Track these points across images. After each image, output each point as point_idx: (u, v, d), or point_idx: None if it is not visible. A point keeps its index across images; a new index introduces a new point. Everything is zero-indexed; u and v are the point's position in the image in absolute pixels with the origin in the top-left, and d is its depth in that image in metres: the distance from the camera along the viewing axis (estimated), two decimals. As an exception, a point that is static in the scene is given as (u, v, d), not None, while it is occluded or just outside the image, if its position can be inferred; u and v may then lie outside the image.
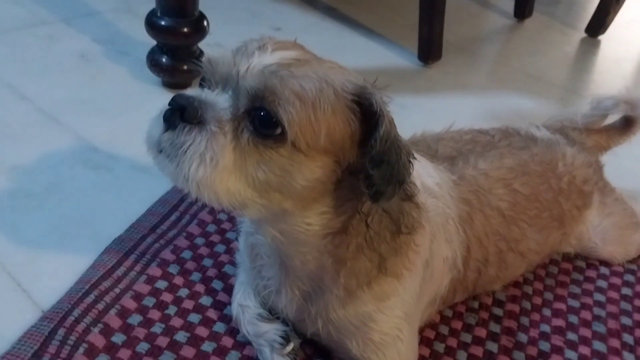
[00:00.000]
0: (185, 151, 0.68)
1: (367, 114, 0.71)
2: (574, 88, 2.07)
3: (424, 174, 0.93)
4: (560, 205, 1.10)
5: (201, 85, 0.75)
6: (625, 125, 1.29)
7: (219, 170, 0.69)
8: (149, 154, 0.74)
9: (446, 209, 0.95)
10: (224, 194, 0.70)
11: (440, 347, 0.98)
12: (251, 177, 0.70)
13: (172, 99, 0.70)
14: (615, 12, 2.34)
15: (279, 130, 0.68)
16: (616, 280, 1.17)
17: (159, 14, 1.52)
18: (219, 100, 0.71)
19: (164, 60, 1.57)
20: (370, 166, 0.69)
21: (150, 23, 1.53)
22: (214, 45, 1.79)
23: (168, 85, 1.61)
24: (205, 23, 1.55)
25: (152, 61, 1.58)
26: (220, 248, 1.10)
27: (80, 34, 1.83)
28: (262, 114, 0.68)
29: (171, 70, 1.58)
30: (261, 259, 0.88)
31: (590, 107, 1.29)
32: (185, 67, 1.58)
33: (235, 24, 2.03)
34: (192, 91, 0.73)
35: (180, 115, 0.69)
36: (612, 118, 1.32)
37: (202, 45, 1.62)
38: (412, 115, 1.64)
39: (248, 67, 0.70)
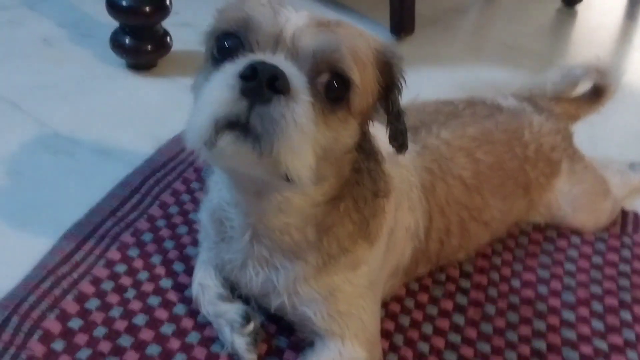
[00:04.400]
0: (283, 125, 0.60)
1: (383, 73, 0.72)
2: (551, 58, 2.05)
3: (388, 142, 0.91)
4: (526, 173, 1.08)
5: (225, 47, 0.67)
6: (595, 94, 1.28)
7: (310, 142, 0.63)
8: (208, 131, 0.62)
9: (410, 178, 0.94)
10: (307, 168, 0.63)
11: (405, 320, 0.96)
12: (317, 145, 0.65)
13: (252, 68, 0.61)
14: (591, -20, 2.31)
15: (344, 94, 0.66)
16: (587, 249, 1.16)
17: (119, -6, 1.48)
18: (287, 65, 0.64)
19: (127, 41, 1.53)
20: (394, 121, 0.74)
21: (111, 3, 1.49)
22: (182, 25, 1.75)
23: (132, 66, 1.57)
24: (167, 1, 1.51)
25: (115, 43, 1.54)
26: (183, 229, 1.08)
27: (44, 18, 1.79)
28: (329, 77, 0.65)
29: (135, 51, 1.54)
30: (230, 232, 0.84)
31: (559, 75, 1.27)
32: (149, 48, 1.54)
33: (203, 3, 1.96)
34: (256, 56, 0.64)
35: (270, 86, 0.61)
36: (584, 88, 1.30)
37: (169, 25, 1.58)
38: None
39: (296, 26, 0.65)
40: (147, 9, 1.48)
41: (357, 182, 0.79)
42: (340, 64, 0.65)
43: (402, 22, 1.90)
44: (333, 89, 0.66)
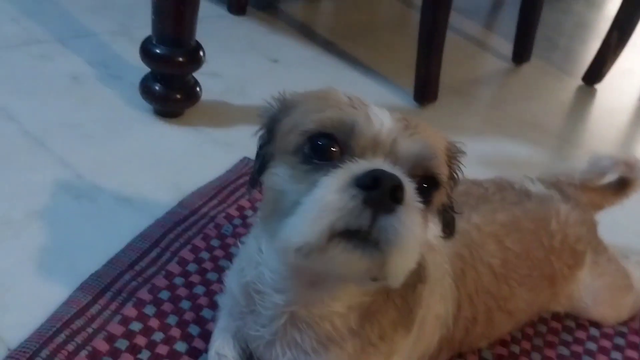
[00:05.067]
0: (404, 235, 0.61)
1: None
2: (568, 137, 2.07)
3: None
4: (551, 264, 1.07)
5: (318, 146, 0.67)
6: (621, 186, 1.28)
7: (419, 248, 0.65)
8: (321, 238, 0.61)
9: (444, 264, 0.92)
10: (408, 271, 0.66)
11: (422, 408, 0.94)
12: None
13: (374, 177, 0.61)
14: (613, 61, 2.35)
15: (431, 195, 0.69)
16: (606, 343, 1.14)
17: (154, 42, 1.49)
18: (400, 173, 0.64)
19: (157, 88, 1.54)
20: (449, 210, 0.79)
21: (145, 50, 1.51)
22: (210, 75, 1.77)
23: (160, 113, 1.58)
24: (201, 53, 1.53)
25: (145, 88, 1.55)
26: (200, 289, 1.06)
27: (75, 55, 1.80)
28: (421, 180, 0.67)
29: (163, 99, 1.55)
30: (263, 310, 0.80)
31: (588, 164, 1.28)
32: (178, 96, 1.55)
33: (232, 54, 2.01)
34: (373, 164, 0.64)
35: (391, 196, 0.61)
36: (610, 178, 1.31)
37: (198, 74, 1.59)
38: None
39: (391, 129, 0.66)
40: (181, 59, 1.50)
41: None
42: (437, 170, 0.68)
43: (426, 90, 1.92)
44: (424, 192, 0.67)
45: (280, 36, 2.23)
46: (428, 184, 0.69)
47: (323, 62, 2.13)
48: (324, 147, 0.66)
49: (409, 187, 0.63)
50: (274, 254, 0.76)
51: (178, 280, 1.07)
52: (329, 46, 2.24)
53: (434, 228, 0.89)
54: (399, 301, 0.79)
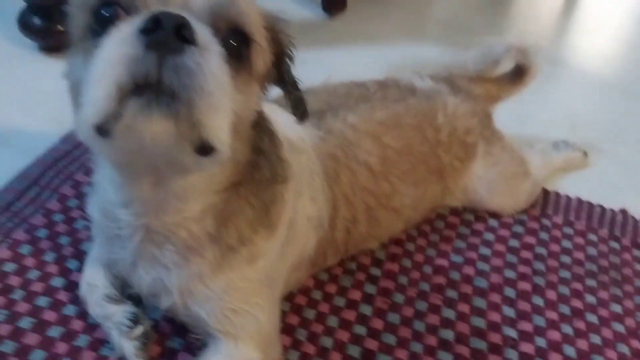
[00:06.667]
0: (201, 77, 0.54)
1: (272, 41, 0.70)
2: (489, 34, 2.02)
3: (287, 128, 0.87)
4: (438, 158, 1.05)
5: (104, 17, 0.60)
6: (517, 74, 1.25)
7: (229, 98, 0.58)
8: (110, 102, 0.54)
9: (311, 165, 0.90)
10: (226, 130, 0.58)
11: (310, 313, 0.93)
12: (231, 107, 0.59)
13: (154, 19, 0.54)
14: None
15: (244, 52, 0.63)
16: (504, 232, 1.14)
17: (24, -30, 1.39)
18: (190, 16, 0.57)
19: (35, 21, 1.44)
20: (293, 90, 0.74)
21: (16, -19, 1.40)
22: (101, 4, 1.66)
23: (45, 49, 1.49)
24: (77, -21, 1.43)
25: (24, 24, 1.46)
26: (80, 224, 1.02)
27: (-48, -3, 1.68)
28: (227, 34, 0.61)
29: (44, 32, 1.46)
30: (118, 230, 0.77)
31: (480, 54, 1.24)
32: (60, 28, 1.46)
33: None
34: (155, 8, 0.57)
35: (177, 35, 0.54)
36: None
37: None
38: (312, 71, 1.53)
39: None
40: (55, -14, 1.40)
41: (257, 164, 0.75)
42: (241, 19, 0.62)
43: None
44: (234, 47, 0.61)
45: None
46: (237, 40, 0.62)
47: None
48: (111, 17, 0.60)
49: (200, 28, 0.57)
50: (107, 166, 0.72)
51: (57, 217, 1.03)
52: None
53: (299, 130, 0.86)
54: (253, 200, 0.75)
